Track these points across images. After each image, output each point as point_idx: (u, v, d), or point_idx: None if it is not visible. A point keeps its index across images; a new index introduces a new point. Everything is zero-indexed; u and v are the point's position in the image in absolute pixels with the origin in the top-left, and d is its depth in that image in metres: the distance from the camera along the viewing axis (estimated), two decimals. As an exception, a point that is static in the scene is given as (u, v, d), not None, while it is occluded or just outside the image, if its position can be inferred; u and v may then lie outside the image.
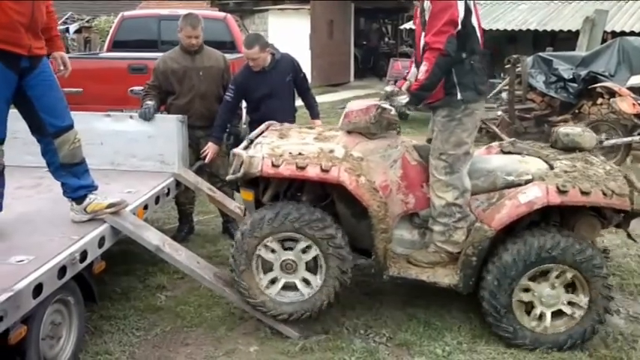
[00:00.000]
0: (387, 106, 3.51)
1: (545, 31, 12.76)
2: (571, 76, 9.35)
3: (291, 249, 3.44)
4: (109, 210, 3.41)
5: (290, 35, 16.37)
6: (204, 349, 3.45)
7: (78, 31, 19.52)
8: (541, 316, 3.41)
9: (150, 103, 4.60)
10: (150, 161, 4.49)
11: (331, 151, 3.42)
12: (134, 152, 4.51)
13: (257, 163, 3.36)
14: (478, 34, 3.44)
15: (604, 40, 10.92)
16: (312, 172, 3.30)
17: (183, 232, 5.08)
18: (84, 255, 3.12)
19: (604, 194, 3.26)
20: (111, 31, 8.43)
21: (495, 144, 4.23)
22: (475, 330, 3.59)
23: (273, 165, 3.33)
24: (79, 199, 3.43)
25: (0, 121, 3.15)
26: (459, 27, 3.28)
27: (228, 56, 5.27)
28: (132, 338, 3.51)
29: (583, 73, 9.17)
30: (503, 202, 3.39)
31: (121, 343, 3.45)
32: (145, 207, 3.88)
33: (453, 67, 3.37)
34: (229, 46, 7.43)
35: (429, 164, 3.55)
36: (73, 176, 3.42)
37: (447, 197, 3.47)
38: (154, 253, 3.56)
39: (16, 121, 3.97)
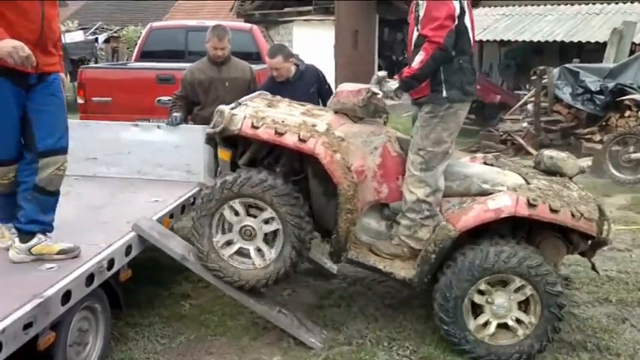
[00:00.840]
0: (376, 90, 3.48)
1: (572, 42, 12.59)
2: (598, 88, 9.24)
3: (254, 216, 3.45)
4: (58, 256, 3.07)
5: (315, 46, 16.43)
6: (227, 358, 3.46)
7: (106, 41, 19.86)
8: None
9: (177, 114, 4.68)
10: (176, 171, 4.55)
11: (314, 125, 3.44)
12: (161, 162, 4.57)
13: (237, 121, 3.38)
14: (470, 35, 3.44)
15: (632, 52, 10.76)
16: (290, 139, 3.32)
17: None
18: (111, 263, 3.16)
19: (572, 215, 3.27)
20: (139, 41, 8.56)
21: (479, 155, 4.24)
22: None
23: (253, 126, 3.35)
24: (25, 236, 3.09)
25: (13, 142, 3.04)
26: (456, 22, 3.29)
27: (254, 67, 5.32)
28: (156, 346, 3.54)
29: (610, 85, 9.06)
30: (471, 206, 3.41)
31: (146, 351, 3.48)
32: (171, 216, 3.93)
33: (442, 65, 3.38)
34: (255, 57, 7.50)
35: (407, 158, 3.55)
36: (37, 205, 3.10)
37: (418, 193, 3.46)
38: (178, 262, 3.59)
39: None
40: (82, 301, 2.95)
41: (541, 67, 10.01)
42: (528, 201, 3.26)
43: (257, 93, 4.09)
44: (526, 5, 14.97)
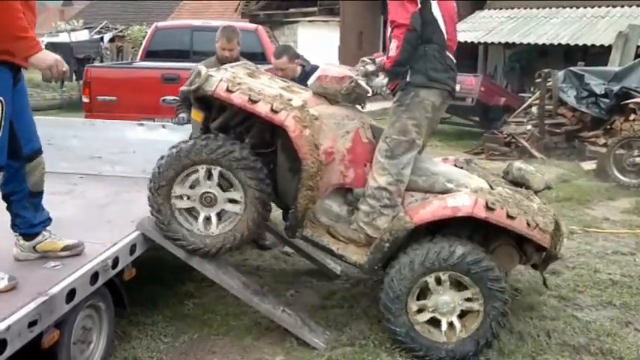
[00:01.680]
0: (364, 84, 3.48)
1: (576, 45, 12.59)
2: (603, 92, 9.23)
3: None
4: (63, 253, 3.06)
5: (319, 46, 16.46)
6: (230, 357, 3.47)
7: (111, 40, 19.92)
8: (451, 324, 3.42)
9: (183, 115, 4.71)
10: (181, 170, 4.55)
11: (289, 100, 3.44)
12: (165, 161, 4.57)
13: (213, 82, 3.38)
14: (442, 27, 3.44)
15: (637, 56, 10.76)
16: (262, 108, 3.32)
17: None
18: (116, 262, 3.17)
19: (528, 224, 3.29)
20: (144, 41, 8.58)
21: (451, 158, 4.26)
22: (504, 348, 3.54)
23: (228, 90, 3.34)
24: (30, 236, 3.08)
25: (4, 146, 2.78)
26: (419, 6, 3.32)
27: (259, 67, 5.32)
28: (159, 344, 3.55)
29: (615, 88, 9.05)
30: (431, 200, 3.45)
31: (149, 349, 3.49)
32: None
33: (416, 46, 3.40)
34: (260, 57, 7.51)
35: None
36: (34, 209, 3.08)
37: (380, 180, 3.48)
38: (182, 261, 3.59)
39: (50, 127, 4.06)
40: (87, 300, 2.96)
41: (546, 70, 10.00)
42: (487, 204, 3.27)
43: (240, 62, 4.07)
44: (531, 8, 14.97)
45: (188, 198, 3.48)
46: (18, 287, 2.70)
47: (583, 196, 7.15)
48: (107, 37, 19.67)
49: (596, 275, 4.70)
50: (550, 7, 14.71)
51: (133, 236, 3.41)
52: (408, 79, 3.43)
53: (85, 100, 6.88)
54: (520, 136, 9.89)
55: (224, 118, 3.57)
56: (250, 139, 3.54)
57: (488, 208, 3.27)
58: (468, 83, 11.67)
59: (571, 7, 14.49)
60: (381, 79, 3.48)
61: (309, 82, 3.72)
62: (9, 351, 2.37)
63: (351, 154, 3.57)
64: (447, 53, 3.49)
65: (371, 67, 3.55)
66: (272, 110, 3.31)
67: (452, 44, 3.53)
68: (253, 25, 9.31)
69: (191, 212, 3.52)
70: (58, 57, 2.74)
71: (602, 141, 8.97)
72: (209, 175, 3.43)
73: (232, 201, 3.48)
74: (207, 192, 3.45)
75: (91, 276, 2.92)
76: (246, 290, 3.60)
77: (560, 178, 8.16)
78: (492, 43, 14.03)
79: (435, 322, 3.42)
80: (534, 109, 10.29)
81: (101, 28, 20.73)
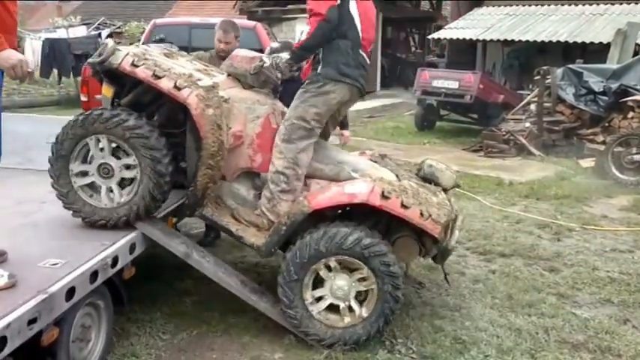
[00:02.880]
0: (265, 59, 3.55)
1: (575, 42, 12.60)
2: (601, 89, 9.25)
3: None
4: None
5: (317, 43, 16.45)
6: (229, 354, 3.47)
7: (109, 37, 19.87)
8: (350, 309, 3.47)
9: None
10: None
11: (198, 79, 3.44)
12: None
13: (119, 56, 3.35)
14: (358, 26, 3.53)
15: (636, 53, 10.78)
16: (165, 84, 3.30)
17: (210, 238, 5.13)
18: (115, 260, 3.17)
19: (421, 214, 3.32)
20: (142, 37, 8.57)
21: (368, 152, 4.31)
22: (502, 345, 3.56)
23: (133, 64, 3.32)
24: None
25: None
26: (338, 2, 3.41)
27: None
28: (158, 342, 3.55)
29: (614, 85, 9.07)
30: (330, 186, 3.50)
31: (148, 346, 3.49)
32: (175, 214, 3.93)
33: (323, 46, 3.49)
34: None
35: None
36: None
37: (277, 164, 3.54)
38: (180, 259, 3.59)
39: (50, 126, 4.05)
40: (86, 298, 2.96)
41: (544, 67, 10.01)
42: (383, 192, 3.31)
43: (164, 44, 4.07)
44: (530, 5, 14.98)
45: (87, 174, 3.43)
46: (18, 285, 2.70)
47: (581, 194, 7.16)
48: (105, 33, 19.60)
49: (595, 273, 4.72)
50: (549, 5, 14.72)
51: (132, 235, 3.40)
52: (319, 70, 3.51)
53: (83, 98, 6.86)
54: (518, 133, 9.89)
55: (134, 95, 3.55)
56: (159, 117, 3.52)
57: (384, 196, 3.31)
58: (467, 80, 11.66)
59: (570, 5, 14.51)
60: (283, 55, 3.56)
61: (222, 65, 3.77)
62: (9, 348, 2.37)
63: (260, 139, 3.62)
64: (361, 51, 3.57)
65: (275, 45, 3.62)
66: (175, 87, 3.29)
67: (366, 44, 3.62)
68: (252, 23, 9.32)
69: (93, 188, 3.47)
70: (23, 57, 2.72)
71: (600, 138, 8.98)
72: (85, 158, 3.41)
73: (128, 167, 3.43)
74: (104, 163, 3.40)
75: (90, 274, 2.92)
76: (245, 288, 3.60)
77: (559, 175, 8.18)
78: (491, 40, 14.05)
79: (334, 308, 3.47)
80: (533, 107, 10.30)
81: (99, 24, 20.69)
